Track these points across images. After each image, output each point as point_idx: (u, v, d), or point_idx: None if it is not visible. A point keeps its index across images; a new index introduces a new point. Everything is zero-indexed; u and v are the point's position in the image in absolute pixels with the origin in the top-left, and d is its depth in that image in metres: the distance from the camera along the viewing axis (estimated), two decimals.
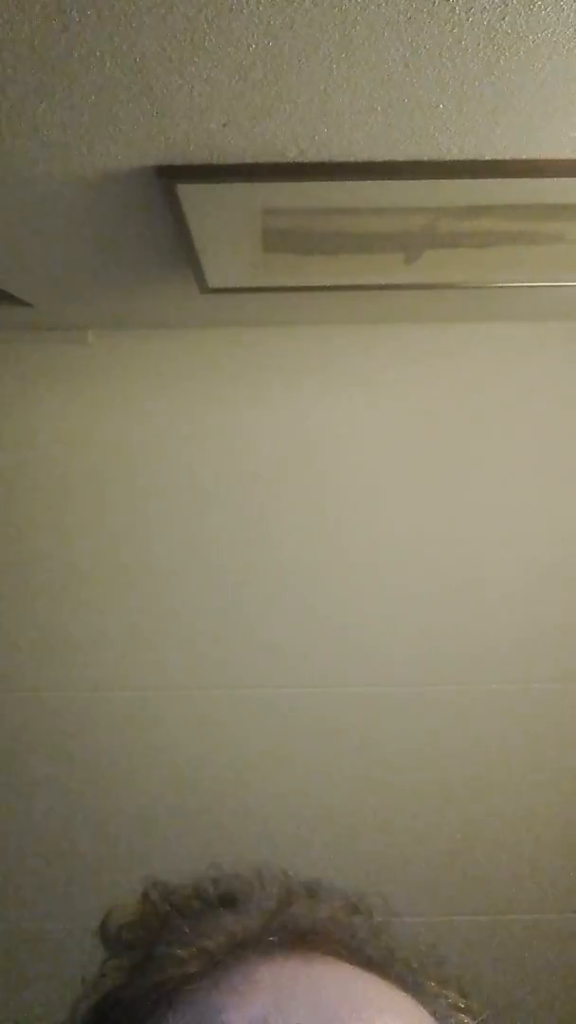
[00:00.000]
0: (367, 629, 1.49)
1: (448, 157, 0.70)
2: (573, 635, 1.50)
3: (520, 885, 1.52)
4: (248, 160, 0.69)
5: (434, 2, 0.48)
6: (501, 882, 1.52)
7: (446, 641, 1.49)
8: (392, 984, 0.35)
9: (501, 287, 1.14)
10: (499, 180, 0.73)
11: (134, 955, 0.39)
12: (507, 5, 0.48)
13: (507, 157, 0.70)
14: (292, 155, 0.69)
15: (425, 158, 0.70)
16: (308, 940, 0.36)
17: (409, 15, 0.49)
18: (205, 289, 1.09)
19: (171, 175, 0.71)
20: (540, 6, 0.48)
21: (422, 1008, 0.35)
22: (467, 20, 0.49)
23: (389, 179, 0.72)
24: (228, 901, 0.40)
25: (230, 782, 1.51)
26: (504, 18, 0.49)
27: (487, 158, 0.70)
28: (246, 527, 1.48)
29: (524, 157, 0.70)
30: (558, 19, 0.49)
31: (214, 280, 1.05)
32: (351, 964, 0.36)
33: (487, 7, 0.48)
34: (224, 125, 0.63)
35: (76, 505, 1.48)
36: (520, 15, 0.49)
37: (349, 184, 0.73)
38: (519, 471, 1.48)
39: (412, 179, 0.72)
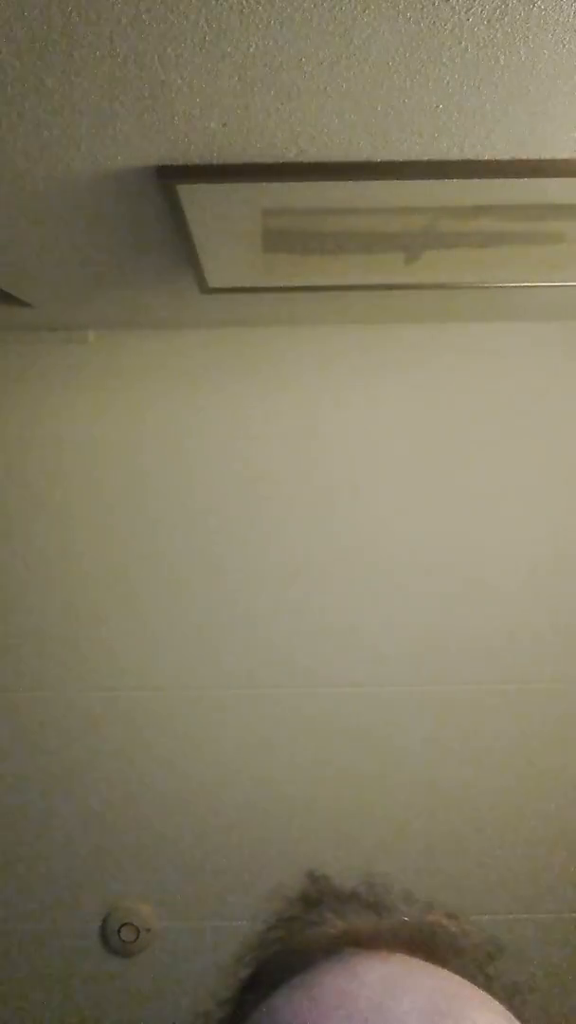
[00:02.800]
0: (368, 629, 1.49)
1: (448, 157, 0.70)
2: (575, 636, 1.50)
3: (520, 885, 1.52)
4: (248, 160, 0.69)
5: (434, 2, 0.48)
6: (501, 882, 1.52)
7: (447, 641, 1.49)
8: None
9: (501, 287, 1.14)
10: (499, 180, 0.73)
11: (294, 919, 0.46)
12: (507, 5, 0.48)
13: (507, 157, 0.70)
14: (292, 155, 0.69)
15: (425, 158, 0.70)
16: (441, 953, 0.41)
17: (409, 15, 0.49)
18: (205, 289, 1.09)
19: (171, 175, 0.71)
20: (540, 6, 0.48)
21: None
22: (467, 20, 0.49)
23: (389, 179, 0.72)
24: (377, 905, 0.46)
25: (230, 782, 1.51)
26: (504, 18, 0.49)
27: (487, 158, 0.70)
28: (246, 526, 1.48)
29: (524, 157, 0.70)
30: (558, 19, 0.49)
31: (214, 280, 1.05)
32: (474, 983, 0.40)
33: (487, 7, 0.48)
34: (224, 125, 0.63)
35: (76, 505, 1.48)
36: (520, 15, 0.49)
37: (349, 184, 0.73)
38: (520, 471, 1.48)
39: (412, 179, 0.72)
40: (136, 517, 1.48)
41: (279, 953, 0.43)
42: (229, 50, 0.52)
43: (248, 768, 1.51)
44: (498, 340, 1.46)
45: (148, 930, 1.49)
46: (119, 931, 1.49)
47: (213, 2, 0.47)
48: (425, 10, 0.48)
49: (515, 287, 1.14)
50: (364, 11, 0.49)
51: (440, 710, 1.50)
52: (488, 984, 0.41)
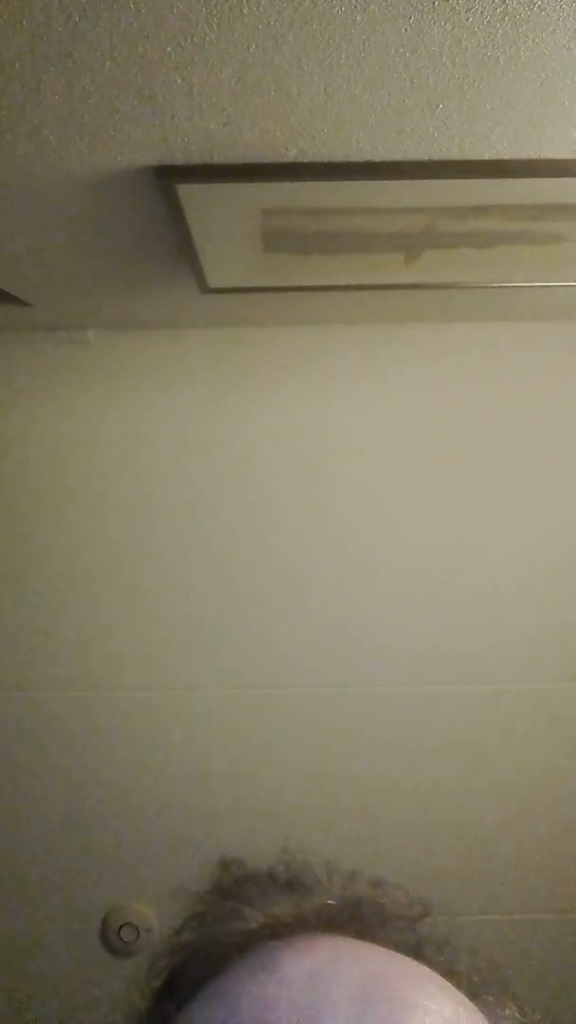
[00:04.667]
0: (368, 629, 1.49)
1: (448, 157, 0.70)
2: (574, 636, 1.50)
3: (520, 885, 1.52)
4: (248, 160, 0.69)
5: (434, 2, 0.48)
6: (501, 882, 1.53)
7: (447, 641, 1.49)
8: (441, 975, 0.37)
9: (501, 287, 1.14)
10: (499, 180, 0.73)
11: (206, 915, 0.43)
12: (507, 5, 0.48)
13: (507, 157, 0.70)
14: (292, 155, 0.69)
15: (425, 158, 0.70)
16: (369, 925, 0.39)
17: (409, 15, 0.49)
18: (205, 289, 1.09)
19: (171, 175, 0.71)
20: (540, 6, 0.48)
21: (477, 1011, 0.36)
22: (467, 20, 0.49)
23: (389, 179, 0.72)
24: (297, 884, 0.44)
25: (230, 782, 1.51)
26: (504, 18, 0.49)
27: (487, 158, 0.70)
28: (247, 526, 1.48)
29: (524, 157, 0.70)
30: (558, 19, 0.49)
31: (214, 280, 1.05)
32: (406, 954, 0.38)
33: (487, 7, 0.48)
34: (224, 125, 0.63)
35: (76, 505, 1.48)
36: (520, 15, 0.49)
37: (349, 184, 0.73)
38: (520, 471, 1.48)
39: (412, 179, 0.72)
40: (136, 517, 1.48)
41: (193, 955, 0.40)
42: (229, 50, 0.52)
43: (248, 767, 1.51)
44: (498, 340, 1.46)
45: (148, 930, 1.49)
46: (119, 931, 1.49)
47: (213, 2, 0.47)
48: (425, 10, 0.48)
49: (515, 287, 1.14)
50: (364, 11, 0.49)
51: (440, 710, 1.50)
52: (419, 946, 0.39)
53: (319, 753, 1.51)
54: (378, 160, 0.70)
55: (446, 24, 0.50)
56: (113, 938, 1.49)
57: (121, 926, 1.49)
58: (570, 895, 1.53)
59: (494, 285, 1.12)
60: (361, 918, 0.40)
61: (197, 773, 1.51)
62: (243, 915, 0.40)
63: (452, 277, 1.08)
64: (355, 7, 0.48)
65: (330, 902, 0.41)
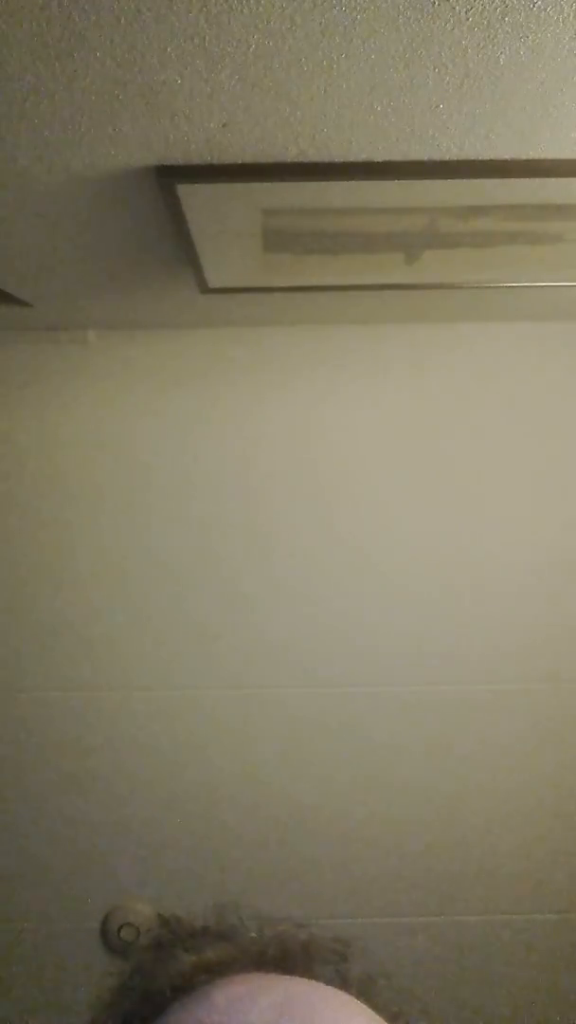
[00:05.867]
0: (368, 629, 1.49)
1: (448, 157, 0.70)
2: (575, 636, 1.50)
3: (520, 885, 1.53)
4: (248, 160, 0.69)
5: (434, 2, 0.48)
6: (501, 882, 1.53)
7: (447, 641, 1.49)
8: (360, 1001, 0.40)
9: (501, 287, 1.14)
10: (499, 180, 0.73)
11: (145, 965, 0.46)
12: (507, 5, 0.48)
13: (507, 157, 0.70)
14: (292, 155, 0.69)
15: (425, 158, 0.70)
16: (295, 963, 0.43)
17: (409, 15, 0.49)
18: (205, 289, 1.09)
19: (171, 175, 0.71)
20: (540, 6, 0.48)
21: None
22: (467, 20, 0.49)
23: (389, 179, 0.72)
24: (229, 932, 0.47)
25: (231, 781, 1.51)
26: (504, 18, 0.49)
27: (487, 158, 0.70)
28: (246, 526, 1.48)
29: (524, 157, 0.70)
30: (558, 19, 0.49)
31: (214, 280, 1.05)
32: (327, 984, 0.41)
33: (487, 7, 0.48)
34: (224, 125, 0.63)
35: (76, 505, 1.48)
36: (520, 15, 0.49)
37: (349, 184, 0.73)
38: (520, 471, 1.48)
39: (412, 179, 0.72)
40: (136, 517, 1.48)
41: (135, 1003, 0.42)
42: (229, 50, 0.52)
43: (247, 768, 1.51)
44: (498, 340, 1.46)
45: (148, 930, 1.49)
46: (119, 931, 1.49)
47: (213, 2, 0.47)
48: (425, 10, 0.48)
49: (515, 287, 1.14)
50: (364, 11, 0.48)
51: (440, 710, 1.50)
52: (344, 982, 0.42)
53: (319, 753, 1.51)
54: (378, 160, 0.70)
55: (446, 24, 0.50)
56: (113, 938, 1.49)
57: (121, 926, 1.49)
58: (570, 895, 1.53)
59: (494, 285, 1.12)
60: (286, 955, 0.43)
61: (198, 773, 1.51)
62: (179, 959, 0.43)
63: (452, 277, 1.07)
64: (355, 7, 0.48)
65: (253, 935, 0.45)
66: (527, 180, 0.73)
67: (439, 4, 0.48)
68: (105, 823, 1.51)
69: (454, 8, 0.48)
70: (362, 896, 1.51)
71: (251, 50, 0.53)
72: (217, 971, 0.41)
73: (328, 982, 0.41)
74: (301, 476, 1.47)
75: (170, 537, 1.48)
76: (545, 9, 0.48)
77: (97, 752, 1.51)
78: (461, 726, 1.51)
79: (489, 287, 1.14)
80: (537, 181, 0.73)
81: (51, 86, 0.56)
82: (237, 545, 1.48)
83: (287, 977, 0.40)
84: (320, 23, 0.50)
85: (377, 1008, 0.40)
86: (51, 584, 1.49)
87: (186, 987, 0.41)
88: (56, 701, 1.50)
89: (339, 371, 1.47)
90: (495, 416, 1.48)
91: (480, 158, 0.70)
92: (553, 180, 0.73)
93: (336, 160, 0.70)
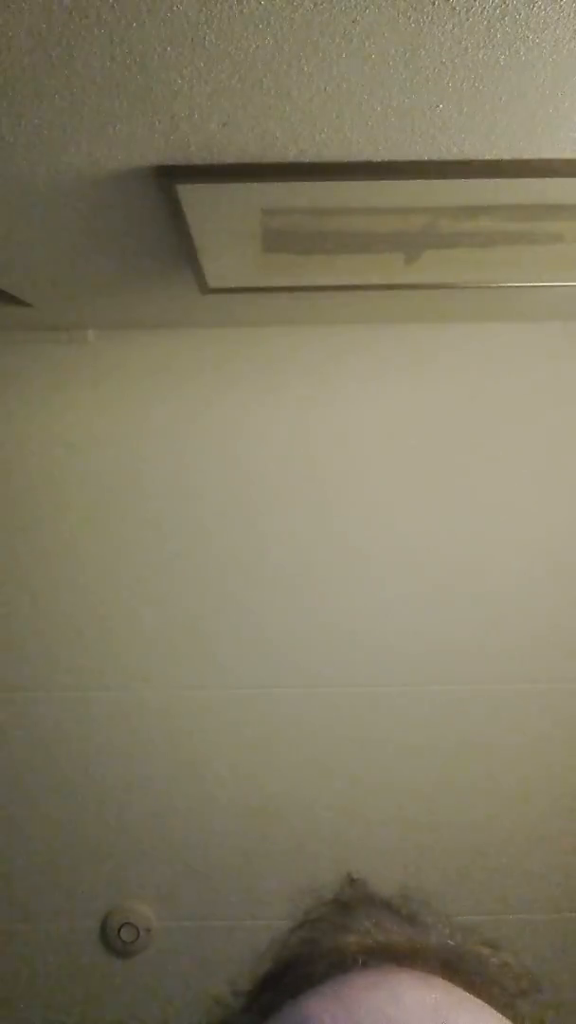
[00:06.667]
0: (368, 629, 1.49)
1: (448, 157, 0.70)
2: (574, 636, 1.50)
3: (520, 885, 1.52)
4: (248, 160, 0.69)
5: (434, 2, 0.48)
6: (501, 882, 1.52)
7: (447, 641, 1.49)
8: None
9: (501, 287, 1.14)
10: (499, 180, 0.73)
11: (322, 921, 0.44)
12: (507, 5, 0.48)
13: (507, 157, 0.70)
14: (292, 155, 0.69)
15: (425, 158, 0.70)
16: (471, 980, 0.40)
17: (409, 15, 0.49)
18: (205, 289, 1.09)
19: (171, 175, 0.71)
20: (540, 6, 0.48)
21: None
22: (467, 20, 0.49)
23: (389, 179, 0.72)
24: (414, 920, 0.44)
25: (230, 781, 1.51)
26: (504, 18, 0.49)
27: (487, 158, 0.70)
28: (246, 526, 1.48)
29: (524, 157, 0.70)
30: (558, 19, 0.49)
31: (214, 280, 1.05)
32: (490, 1004, 0.39)
33: (487, 7, 0.48)
34: (224, 125, 0.63)
35: (76, 505, 1.48)
36: (520, 15, 0.49)
37: (349, 184, 0.73)
38: (520, 471, 1.48)
39: (412, 179, 0.72)
40: (136, 517, 1.48)
41: (310, 953, 0.41)
42: (229, 50, 0.52)
43: (248, 768, 1.51)
44: (498, 340, 1.46)
45: (148, 930, 1.49)
46: (119, 931, 1.49)
47: (213, 2, 0.47)
48: (425, 10, 0.48)
49: (515, 287, 1.14)
50: (364, 11, 0.48)
51: (440, 710, 1.50)
52: (517, 1019, 0.40)
53: (319, 753, 1.51)
54: (378, 160, 0.70)
55: (446, 24, 0.50)
56: (113, 938, 1.49)
57: (121, 926, 1.49)
58: (570, 895, 1.53)
59: (494, 285, 1.12)
60: (473, 972, 0.40)
61: (197, 773, 1.51)
62: (364, 929, 0.41)
63: (452, 277, 1.08)
64: (355, 7, 0.48)
65: (450, 943, 0.42)
66: (527, 180, 0.73)
67: (439, 4, 0.48)
68: (105, 823, 1.51)
69: (454, 8, 0.48)
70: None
71: (251, 50, 0.53)
72: (401, 959, 0.39)
73: (503, 1014, 0.39)
74: (301, 475, 1.47)
75: (170, 537, 1.48)
76: (545, 9, 0.48)
77: (97, 752, 1.50)
78: (461, 726, 1.50)
79: (489, 287, 1.14)
80: (537, 181, 0.73)
81: (51, 86, 0.56)
82: (237, 544, 1.48)
83: (476, 1002, 0.38)
84: (320, 23, 0.50)
85: None
86: (51, 584, 1.49)
87: (366, 962, 0.38)
88: (56, 701, 1.50)
89: (339, 371, 1.46)
90: (494, 416, 1.48)
91: (480, 158, 0.70)
92: (553, 180, 0.73)
93: (336, 160, 0.70)
